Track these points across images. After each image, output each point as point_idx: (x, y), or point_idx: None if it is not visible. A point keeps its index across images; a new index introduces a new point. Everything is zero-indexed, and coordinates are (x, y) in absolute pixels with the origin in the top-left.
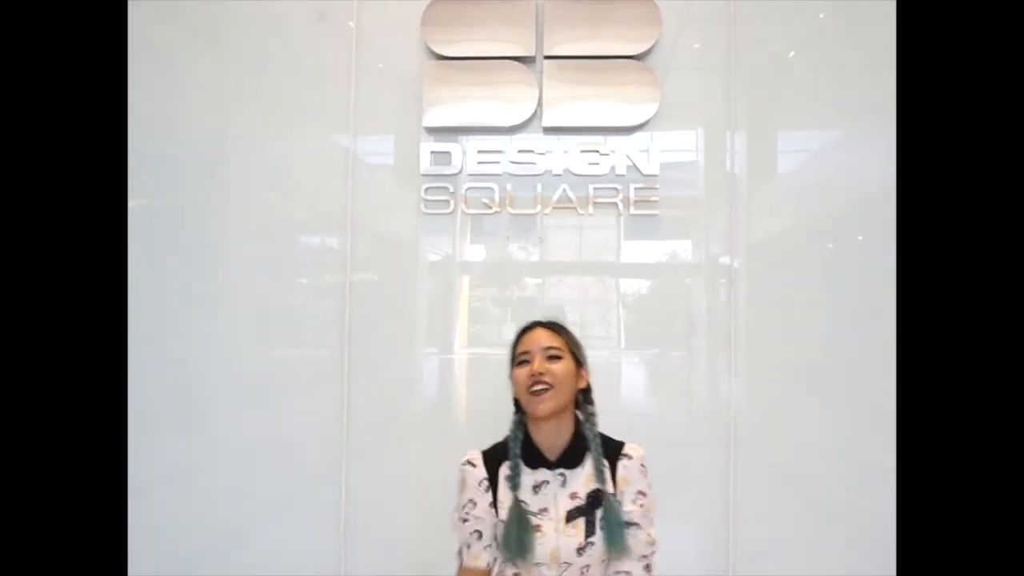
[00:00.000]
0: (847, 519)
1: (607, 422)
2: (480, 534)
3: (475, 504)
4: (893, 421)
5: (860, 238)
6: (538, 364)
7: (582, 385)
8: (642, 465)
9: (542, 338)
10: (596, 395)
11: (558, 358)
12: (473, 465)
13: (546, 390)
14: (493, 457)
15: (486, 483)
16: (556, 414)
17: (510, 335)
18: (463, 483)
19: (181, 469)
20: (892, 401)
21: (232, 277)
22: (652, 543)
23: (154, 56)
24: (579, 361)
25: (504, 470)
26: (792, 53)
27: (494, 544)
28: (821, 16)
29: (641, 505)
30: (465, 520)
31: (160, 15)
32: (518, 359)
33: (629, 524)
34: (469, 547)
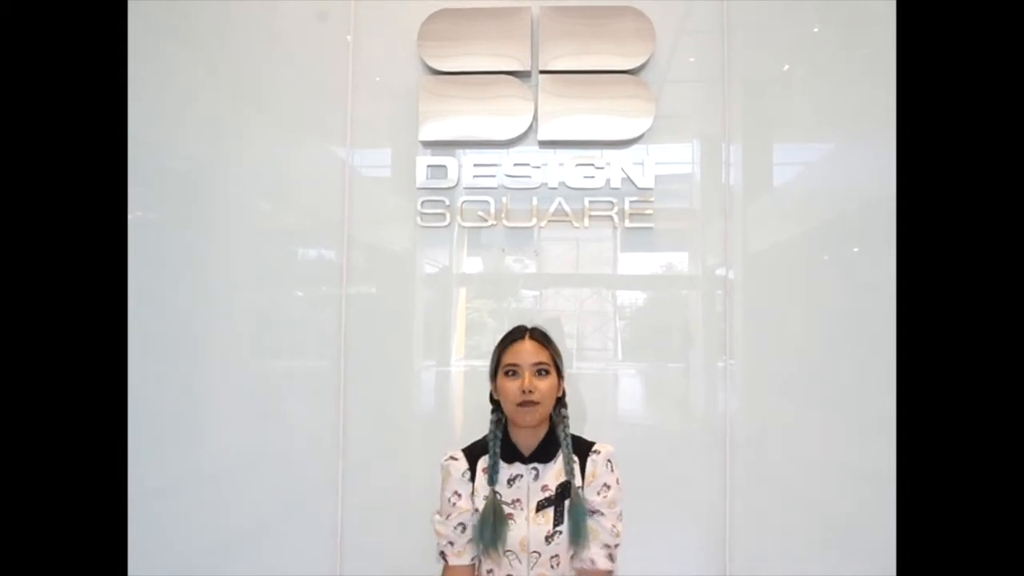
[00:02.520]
0: (842, 529)
1: (604, 433)
2: (464, 527)
3: (460, 496)
4: (889, 430)
5: (856, 249)
6: (528, 381)
7: (559, 395)
8: (608, 461)
9: (531, 351)
10: (593, 406)
11: (546, 373)
12: (455, 459)
13: (534, 405)
14: (472, 453)
15: (468, 474)
16: (536, 425)
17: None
18: (447, 477)
19: (178, 479)
20: (888, 410)
21: (229, 289)
22: (616, 535)
23: (152, 69)
24: (560, 373)
25: (482, 463)
26: (787, 66)
27: (469, 539)
28: (816, 29)
29: (604, 496)
30: (450, 515)
31: (158, 29)
32: (506, 369)
33: (593, 512)
34: (453, 544)
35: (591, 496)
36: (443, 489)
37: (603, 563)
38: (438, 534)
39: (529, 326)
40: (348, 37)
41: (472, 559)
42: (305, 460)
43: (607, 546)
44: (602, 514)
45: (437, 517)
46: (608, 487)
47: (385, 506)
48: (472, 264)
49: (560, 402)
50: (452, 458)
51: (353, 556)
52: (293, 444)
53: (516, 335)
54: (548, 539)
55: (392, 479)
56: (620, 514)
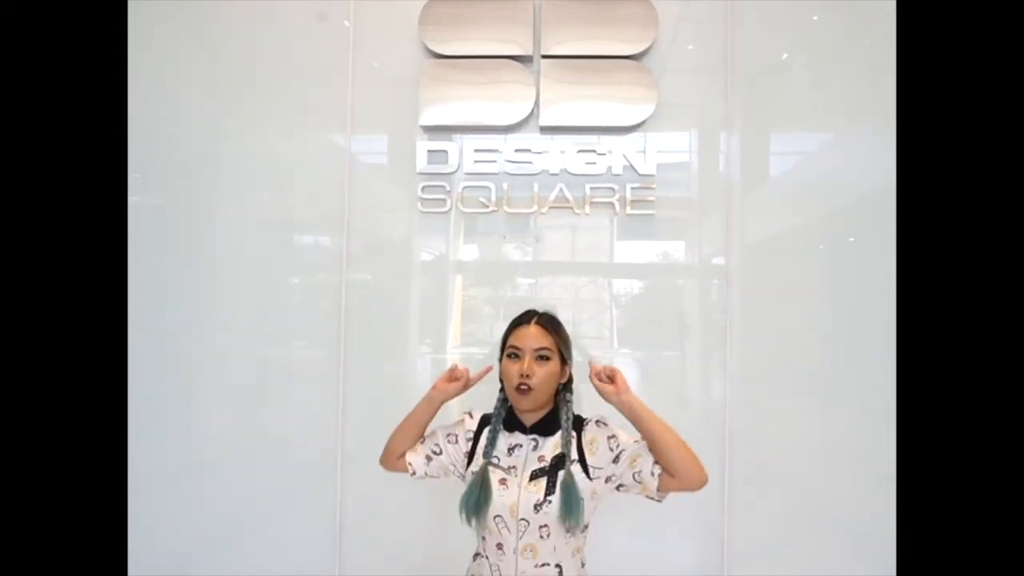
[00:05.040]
0: (838, 518)
1: None
2: (435, 454)
3: (455, 440)
4: (886, 421)
5: (851, 239)
6: (527, 365)
7: (563, 380)
8: (597, 422)
9: (534, 336)
10: (588, 394)
11: (546, 359)
12: (471, 416)
13: (529, 391)
14: (484, 421)
15: (471, 436)
16: (535, 410)
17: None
18: (458, 423)
19: (176, 467)
20: (885, 401)
21: (228, 276)
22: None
23: (151, 55)
24: (564, 359)
25: (487, 432)
26: (785, 55)
27: (429, 467)
28: (815, 18)
29: (619, 443)
30: (437, 438)
31: (157, 17)
32: (509, 351)
33: (619, 457)
34: (423, 442)
35: (605, 453)
36: (452, 424)
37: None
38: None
39: (540, 311)
40: (346, 22)
41: (412, 464)
42: (303, 447)
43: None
44: (628, 450)
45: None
46: (614, 437)
47: (383, 492)
48: (470, 251)
49: (567, 387)
50: (469, 414)
51: (351, 544)
52: (291, 431)
53: (523, 319)
54: (537, 507)
55: None
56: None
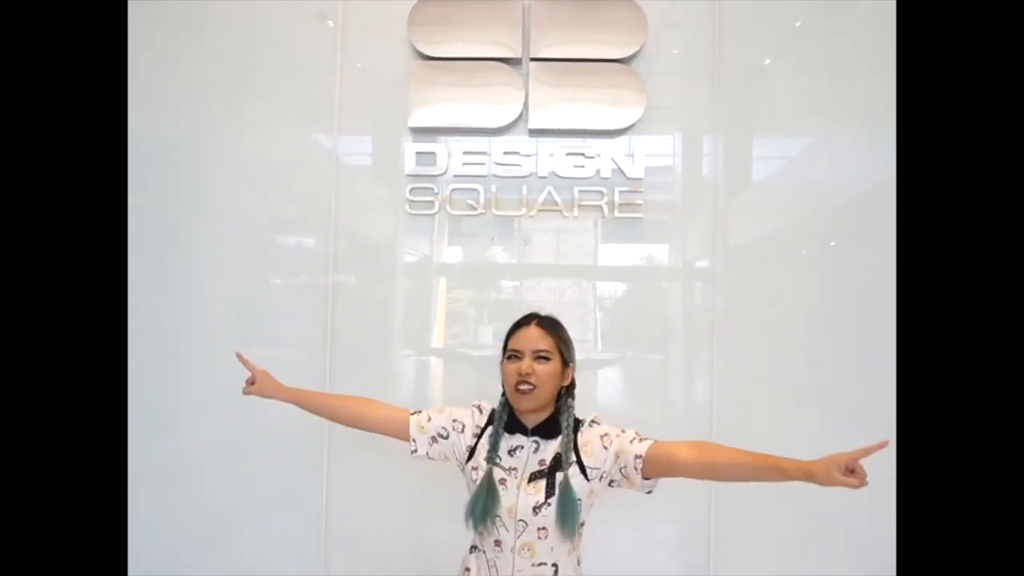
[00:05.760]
0: (822, 521)
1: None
2: (441, 438)
3: (460, 430)
4: (869, 422)
5: (833, 243)
6: (526, 365)
7: (566, 383)
8: (591, 422)
9: (534, 338)
10: (581, 397)
11: (546, 359)
12: (481, 411)
13: (530, 390)
14: (491, 418)
15: (479, 430)
16: (537, 410)
17: (487, 337)
18: (468, 413)
19: (162, 470)
20: (867, 402)
21: (213, 277)
22: (634, 432)
23: (139, 57)
24: (566, 360)
25: (490, 431)
26: (768, 60)
27: (432, 449)
28: (798, 24)
29: (611, 442)
30: (445, 422)
31: (146, 16)
32: (509, 353)
33: (610, 453)
34: (430, 419)
35: (600, 453)
36: (460, 409)
37: (640, 448)
38: (433, 412)
39: (542, 314)
40: (330, 23)
41: (408, 422)
42: (289, 449)
43: (633, 440)
44: (620, 443)
45: (442, 408)
46: (607, 435)
47: (370, 494)
48: (455, 254)
49: (569, 391)
50: (480, 408)
51: (338, 545)
52: (277, 433)
53: (523, 322)
54: (536, 510)
55: (376, 468)
56: (626, 431)
